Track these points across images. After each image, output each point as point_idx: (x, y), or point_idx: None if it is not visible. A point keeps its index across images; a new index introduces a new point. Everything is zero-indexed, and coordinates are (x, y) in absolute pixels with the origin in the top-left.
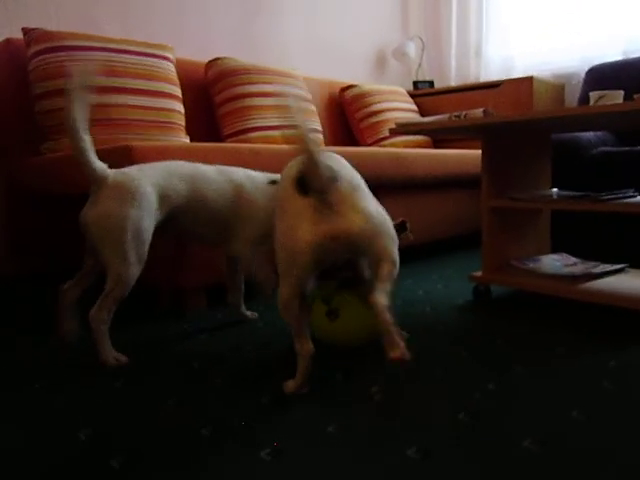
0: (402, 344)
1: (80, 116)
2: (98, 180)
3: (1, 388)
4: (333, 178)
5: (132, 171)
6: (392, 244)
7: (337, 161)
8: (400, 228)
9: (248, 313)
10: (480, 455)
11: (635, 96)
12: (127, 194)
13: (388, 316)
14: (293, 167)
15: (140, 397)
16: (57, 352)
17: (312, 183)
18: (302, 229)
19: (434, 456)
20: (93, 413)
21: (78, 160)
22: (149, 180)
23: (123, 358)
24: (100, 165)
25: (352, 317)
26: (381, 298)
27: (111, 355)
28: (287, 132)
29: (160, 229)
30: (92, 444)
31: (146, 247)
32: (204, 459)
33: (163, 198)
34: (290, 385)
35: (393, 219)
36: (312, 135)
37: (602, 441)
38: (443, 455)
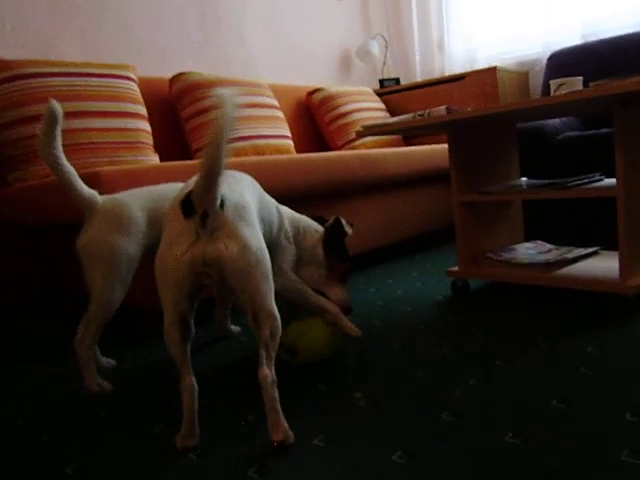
0: (285, 426)
1: (56, 146)
2: (88, 207)
3: None
4: (219, 203)
5: (121, 197)
6: (267, 289)
7: (234, 184)
8: (336, 227)
9: (232, 327)
10: (464, 454)
11: (591, 84)
12: (115, 221)
13: (275, 394)
14: (187, 187)
15: (126, 425)
16: (41, 382)
17: (197, 204)
18: (176, 248)
19: (419, 459)
20: (79, 446)
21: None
22: (138, 205)
23: (106, 385)
24: (89, 192)
25: (311, 344)
26: (267, 372)
27: (95, 382)
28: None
29: (151, 252)
30: (80, 479)
31: (131, 273)
32: None
33: (153, 222)
34: (177, 439)
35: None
36: (221, 155)
37: (582, 427)
38: (428, 457)
